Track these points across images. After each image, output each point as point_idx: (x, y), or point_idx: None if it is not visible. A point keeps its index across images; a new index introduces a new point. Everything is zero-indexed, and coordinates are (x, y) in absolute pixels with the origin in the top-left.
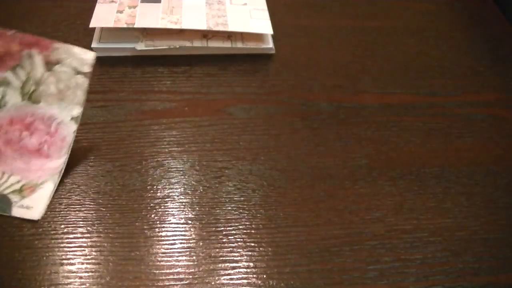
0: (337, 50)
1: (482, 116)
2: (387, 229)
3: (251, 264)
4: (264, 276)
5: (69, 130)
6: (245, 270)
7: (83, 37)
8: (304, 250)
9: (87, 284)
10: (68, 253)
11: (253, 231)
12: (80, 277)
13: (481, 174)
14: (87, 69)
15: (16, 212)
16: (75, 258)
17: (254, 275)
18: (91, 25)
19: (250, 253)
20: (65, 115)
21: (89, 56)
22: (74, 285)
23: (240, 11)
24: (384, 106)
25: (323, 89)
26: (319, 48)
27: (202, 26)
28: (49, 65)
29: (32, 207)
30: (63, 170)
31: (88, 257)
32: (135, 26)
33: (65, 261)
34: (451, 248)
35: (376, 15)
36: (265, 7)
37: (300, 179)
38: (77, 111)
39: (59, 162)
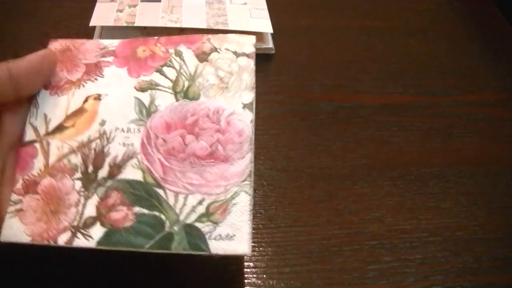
0: (337, 50)
1: (482, 116)
2: (387, 229)
3: (251, 264)
4: (264, 276)
5: (245, 121)
6: (245, 270)
7: (83, 37)
8: (304, 250)
9: None
10: None
11: (253, 231)
12: None
13: (481, 174)
14: (249, 49)
15: (216, 246)
16: None
17: (254, 275)
18: (91, 23)
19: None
20: (235, 104)
21: (249, 38)
22: None
23: (240, 10)
24: (384, 106)
25: (323, 89)
26: (319, 48)
27: (202, 25)
28: (202, 56)
29: (234, 235)
30: (252, 174)
31: None
32: (135, 25)
33: None
34: (451, 248)
35: (376, 15)
36: (265, 6)
37: (300, 179)
38: (248, 96)
39: (243, 163)
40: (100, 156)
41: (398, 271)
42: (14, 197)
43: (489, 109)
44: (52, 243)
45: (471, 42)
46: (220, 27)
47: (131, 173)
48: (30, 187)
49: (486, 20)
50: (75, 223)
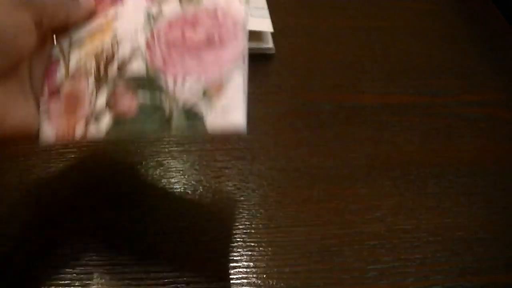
0: (337, 50)
1: (482, 116)
2: (387, 229)
3: (251, 264)
4: (264, 276)
5: (239, 11)
6: (245, 270)
7: None
8: (304, 250)
9: None
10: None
11: (253, 231)
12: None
13: (481, 174)
14: None
15: (213, 124)
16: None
17: (254, 275)
18: None
19: (250, 253)
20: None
21: None
22: None
23: None
24: (384, 106)
25: (323, 89)
26: (319, 48)
27: None
28: None
29: (229, 111)
30: (247, 56)
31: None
32: None
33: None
34: (451, 248)
35: (376, 15)
36: (265, 5)
37: (300, 179)
38: None
39: (238, 48)
40: (111, 57)
41: (398, 271)
42: (43, 105)
43: (489, 109)
44: (71, 139)
45: (471, 42)
46: None
47: (135, 66)
48: (54, 93)
49: (486, 20)
50: (89, 115)
